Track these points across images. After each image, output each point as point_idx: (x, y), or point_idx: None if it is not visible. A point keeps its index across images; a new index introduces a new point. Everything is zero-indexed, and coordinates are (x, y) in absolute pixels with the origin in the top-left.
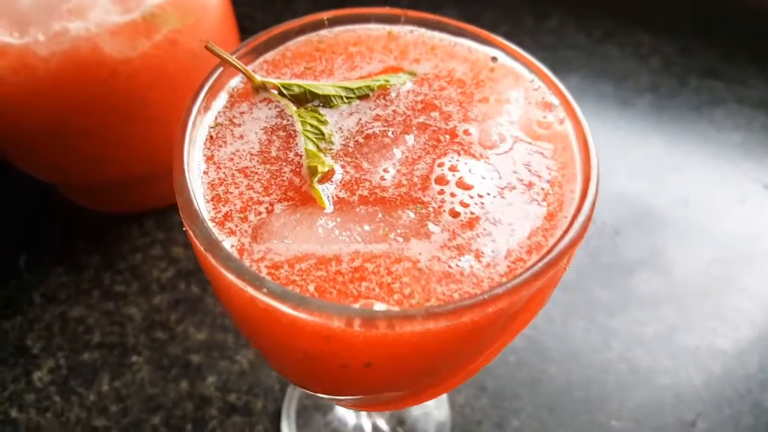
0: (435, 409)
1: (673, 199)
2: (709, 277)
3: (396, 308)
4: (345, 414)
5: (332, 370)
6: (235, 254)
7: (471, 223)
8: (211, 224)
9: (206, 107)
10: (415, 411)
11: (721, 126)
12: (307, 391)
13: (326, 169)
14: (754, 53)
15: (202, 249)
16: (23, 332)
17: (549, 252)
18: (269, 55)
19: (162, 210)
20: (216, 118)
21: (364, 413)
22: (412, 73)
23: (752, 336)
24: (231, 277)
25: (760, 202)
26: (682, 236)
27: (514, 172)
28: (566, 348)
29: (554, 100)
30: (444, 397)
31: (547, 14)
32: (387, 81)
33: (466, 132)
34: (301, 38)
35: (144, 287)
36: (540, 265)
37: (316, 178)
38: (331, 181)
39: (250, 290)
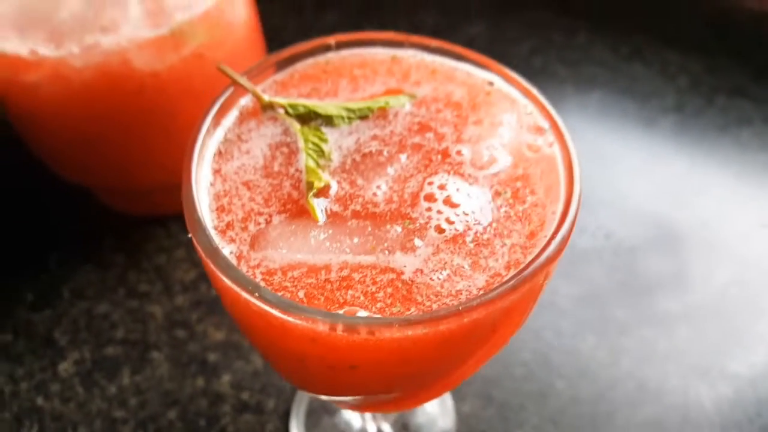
0: (440, 416)
1: (693, 220)
2: (725, 299)
3: (377, 315)
4: (351, 417)
5: (322, 371)
6: (234, 260)
7: (455, 239)
8: (213, 232)
9: (217, 123)
10: (420, 417)
11: (747, 146)
12: (306, 392)
13: (322, 184)
14: None
15: (203, 255)
16: (52, 325)
17: (525, 268)
18: (279, 76)
19: None
20: (226, 134)
21: (369, 416)
22: (412, 96)
23: (767, 360)
24: (228, 282)
25: None
26: (699, 258)
27: (501, 193)
28: (575, 363)
29: (545, 125)
30: (450, 405)
31: (575, 30)
32: (387, 103)
33: (458, 153)
34: (310, 60)
35: (167, 287)
36: (514, 281)
37: (312, 193)
38: (327, 196)
39: (245, 295)
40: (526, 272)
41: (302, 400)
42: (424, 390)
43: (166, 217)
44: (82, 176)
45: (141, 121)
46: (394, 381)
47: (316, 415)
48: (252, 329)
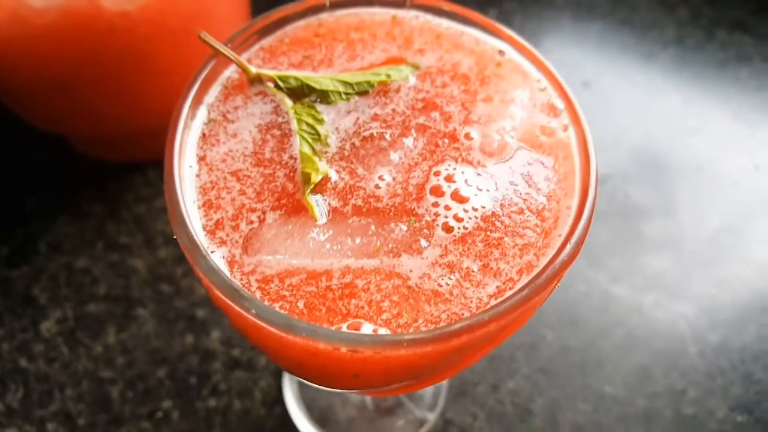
0: None
1: (687, 162)
2: (716, 245)
3: (383, 330)
4: None
5: (323, 376)
6: (226, 267)
7: (464, 239)
8: (202, 233)
9: (199, 101)
10: None
11: (745, 85)
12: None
13: (319, 177)
14: None
15: (192, 261)
16: (30, 282)
17: (539, 275)
18: (266, 41)
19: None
20: (209, 113)
21: None
22: (415, 66)
23: (753, 307)
24: (221, 295)
25: None
26: (692, 202)
27: (512, 184)
28: (565, 312)
29: (560, 104)
30: None
31: None
32: (388, 76)
33: (467, 136)
34: (301, 22)
35: (148, 239)
36: (527, 290)
37: (309, 189)
38: (325, 189)
39: (240, 310)
40: (539, 279)
41: None
42: (424, 383)
43: (144, 164)
44: (52, 124)
45: (112, 64)
46: (396, 381)
47: None
48: (246, 334)
